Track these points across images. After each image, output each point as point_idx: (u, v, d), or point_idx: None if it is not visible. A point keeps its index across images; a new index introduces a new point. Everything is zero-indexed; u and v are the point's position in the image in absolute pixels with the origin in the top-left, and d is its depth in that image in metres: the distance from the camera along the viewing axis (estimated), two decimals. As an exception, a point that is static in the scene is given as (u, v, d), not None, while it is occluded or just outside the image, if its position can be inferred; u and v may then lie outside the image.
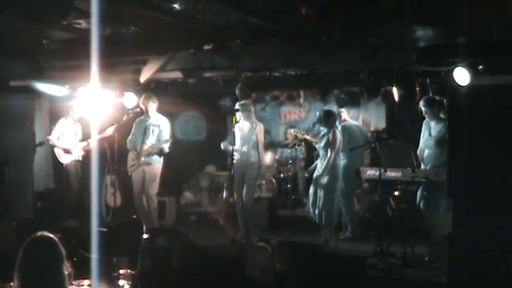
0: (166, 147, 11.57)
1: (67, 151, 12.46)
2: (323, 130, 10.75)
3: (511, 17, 8.49)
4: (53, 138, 12.49)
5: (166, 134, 11.64)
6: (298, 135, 11.64)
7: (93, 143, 12.47)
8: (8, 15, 8.53)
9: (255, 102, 13.41)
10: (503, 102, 7.40)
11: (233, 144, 11.27)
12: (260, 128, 11.45)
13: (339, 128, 10.89)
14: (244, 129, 11.33)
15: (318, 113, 10.99)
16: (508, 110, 7.34)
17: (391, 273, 8.59)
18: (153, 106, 11.63)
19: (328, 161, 10.40)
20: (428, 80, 10.19)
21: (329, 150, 10.41)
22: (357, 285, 7.23)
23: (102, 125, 12.57)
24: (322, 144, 10.56)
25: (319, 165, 10.67)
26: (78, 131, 12.73)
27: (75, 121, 12.70)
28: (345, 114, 11.35)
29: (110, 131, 12.11)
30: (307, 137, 11.44)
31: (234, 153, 11.28)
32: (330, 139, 10.42)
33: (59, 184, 13.30)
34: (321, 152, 10.69)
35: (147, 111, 11.65)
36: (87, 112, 12.76)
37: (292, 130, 12.21)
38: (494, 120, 7.39)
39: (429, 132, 9.56)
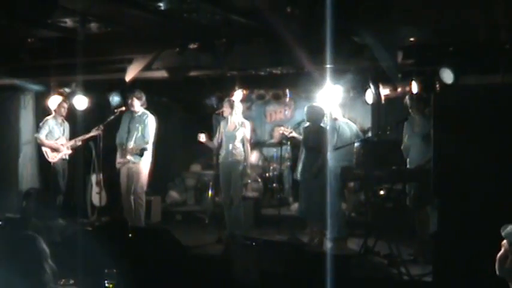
0: (147, 145, 11.47)
1: (55, 149, 12.43)
2: (309, 127, 10.72)
3: (497, 16, 8.52)
4: (41, 136, 12.44)
5: (151, 130, 11.54)
6: (286, 133, 11.62)
7: (80, 142, 12.48)
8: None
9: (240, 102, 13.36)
10: (488, 102, 7.42)
11: (218, 141, 11.26)
12: (246, 125, 11.40)
13: (328, 126, 10.88)
14: (230, 127, 11.28)
15: (305, 109, 10.97)
16: (493, 109, 7.36)
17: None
18: (137, 102, 11.56)
19: (314, 159, 10.39)
20: (413, 79, 10.20)
21: (315, 147, 10.40)
22: (343, 284, 7.22)
23: (88, 124, 12.58)
24: (308, 141, 10.56)
25: (305, 162, 10.67)
26: (66, 129, 12.70)
27: (63, 120, 12.67)
28: (337, 112, 11.30)
29: (95, 131, 12.13)
30: (295, 135, 11.41)
31: (219, 151, 11.27)
32: (316, 136, 10.41)
33: (44, 183, 13.24)
34: (306, 150, 10.68)
35: (131, 107, 11.59)
36: (73, 111, 12.76)
37: (281, 128, 12.20)
38: (480, 119, 7.41)
39: (413, 128, 9.58)
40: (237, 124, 11.24)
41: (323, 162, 10.36)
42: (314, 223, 10.57)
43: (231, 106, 11.31)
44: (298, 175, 10.95)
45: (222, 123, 11.36)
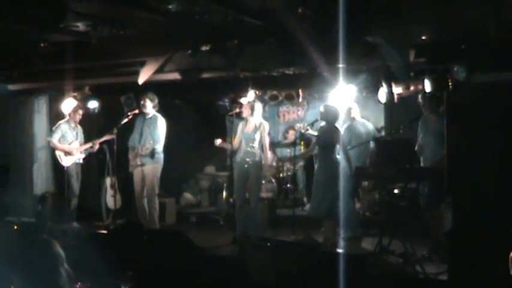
0: (158, 147, 11.43)
1: (68, 153, 12.48)
2: (324, 127, 10.70)
3: (509, 14, 8.51)
4: (54, 140, 12.49)
5: (161, 132, 11.48)
6: (302, 130, 11.59)
7: (96, 146, 12.53)
8: (4, 19, 8.52)
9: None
10: (501, 99, 7.40)
11: (238, 142, 11.22)
12: (265, 126, 11.32)
13: (345, 126, 10.86)
14: (249, 128, 11.22)
15: (320, 108, 10.94)
16: (506, 107, 7.34)
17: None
18: (149, 103, 11.53)
19: (328, 158, 10.38)
20: (426, 77, 10.18)
21: (328, 147, 10.39)
22: (358, 284, 7.22)
23: (102, 127, 12.63)
24: (322, 141, 10.55)
25: (320, 162, 10.66)
26: (79, 134, 12.75)
27: (76, 124, 12.72)
28: (355, 111, 11.25)
29: (109, 135, 12.18)
30: (311, 132, 11.36)
31: (236, 152, 11.22)
32: (330, 135, 10.39)
33: (59, 187, 13.29)
34: (321, 149, 10.67)
35: (144, 108, 11.59)
36: (87, 115, 12.83)
37: (297, 125, 12.21)
38: (493, 117, 7.39)
39: (427, 127, 9.56)
40: (256, 125, 11.16)
41: (337, 162, 10.33)
42: (328, 222, 10.55)
43: (252, 108, 11.20)
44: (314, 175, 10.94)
45: (241, 125, 11.27)
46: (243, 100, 11.85)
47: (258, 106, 11.36)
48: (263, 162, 11.21)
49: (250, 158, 11.04)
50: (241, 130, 11.20)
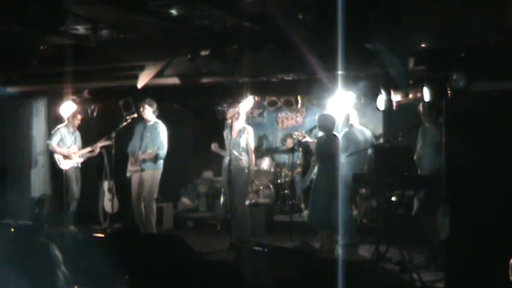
0: (161, 153, 11.48)
1: (67, 157, 12.49)
2: (322, 136, 10.71)
3: (508, 21, 8.51)
4: (53, 143, 12.52)
5: (163, 139, 11.53)
6: (300, 137, 11.59)
7: (97, 150, 12.56)
8: (4, 21, 8.52)
9: (252, 108, 13.37)
10: (500, 107, 7.40)
11: (224, 148, 11.25)
12: (249, 131, 11.32)
13: (342, 133, 10.86)
14: (234, 133, 11.22)
15: (316, 118, 10.95)
16: (505, 115, 7.35)
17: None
18: (148, 109, 11.55)
19: (326, 166, 10.39)
20: (425, 85, 10.17)
21: (326, 156, 10.40)
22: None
23: (101, 132, 12.64)
24: (320, 149, 10.56)
25: (318, 170, 10.67)
26: (78, 138, 12.77)
27: (74, 129, 12.75)
28: (354, 117, 11.24)
29: (108, 140, 12.21)
30: (309, 139, 11.37)
31: (225, 157, 11.23)
32: (328, 144, 10.41)
33: (57, 190, 13.27)
34: (319, 157, 10.68)
35: (143, 115, 11.61)
36: (85, 119, 12.84)
37: (295, 133, 12.19)
38: (492, 125, 7.39)
39: (425, 137, 9.56)
40: (240, 130, 11.16)
41: (335, 171, 10.33)
42: (325, 230, 10.55)
43: (235, 113, 11.24)
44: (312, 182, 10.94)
45: (226, 130, 11.30)
46: (242, 105, 11.82)
47: (242, 111, 11.39)
48: (251, 167, 11.23)
49: (236, 163, 11.03)
50: (227, 136, 11.22)
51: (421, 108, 9.69)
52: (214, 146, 11.63)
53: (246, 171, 11.18)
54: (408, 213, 9.56)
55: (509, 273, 3.80)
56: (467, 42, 9.31)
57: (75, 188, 12.61)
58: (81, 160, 12.74)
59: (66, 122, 12.72)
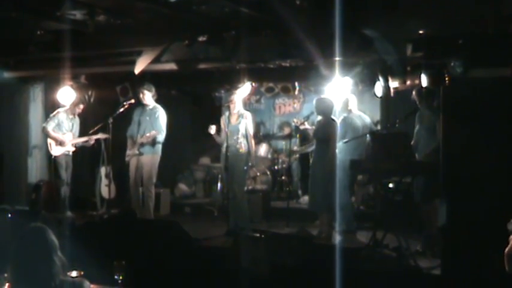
0: (160, 137, 11.44)
1: (60, 143, 12.40)
2: (321, 120, 10.68)
3: (507, 8, 8.50)
4: (49, 127, 12.41)
5: (162, 123, 11.46)
6: (298, 124, 11.56)
7: (92, 142, 12.49)
8: (1, 6, 8.50)
9: (249, 94, 13.34)
10: (497, 95, 7.40)
11: (224, 134, 11.19)
12: (248, 116, 11.28)
13: (341, 118, 10.84)
14: (232, 120, 11.20)
15: (314, 102, 10.92)
16: (503, 102, 7.35)
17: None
18: (147, 94, 11.49)
19: (324, 150, 10.36)
20: (423, 72, 10.16)
21: (324, 140, 10.38)
22: (351, 277, 7.22)
23: (98, 117, 12.60)
24: (318, 134, 10.54)
25: (315, 153, 10.67)
26: (76, 125, 12.67)
27: (74, 115, 12.64)
28: (353, 103, 11.19)
29: (104, 134, 12.19)
30: (307, 126, 11.36)
31: (222, 144, 11.19)
32: (326, 129, 10.38)
33: (53, 176, 13.25)
34: (316, 142, 10.67)
35: (142, 100, 11.57)
36: (84, 106, 12.78)
37: (294, 120, 12.18)
38: (489, 112, 7.40)
39: (421, 123, 9.55)
40: (238, 116, 11.13)
41: (333, 156, 10.31)
42: (324, 216, 10.54)
43: (233, 98, 11.22)
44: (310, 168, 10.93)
45: (224, 116, 11.27)
46: (239, 91, 11.79)
47: (239, 96, 11.36)
48: (249, 154, 11.20)
49: (235, 149, 11.01)
50: (225, 122, 11.18)
51: (415, 94, 9.67)
52: (212, 128, 11.45)
53: (244, 157, 11.15)
54: (405, 200, 9.55)
55: (505, 262, 3.79)
56: (465, 29, 9.28)
57: (64, 174, 12.48)
58: (73, 149, 12.61)
59: (66, 108, 12.61)
